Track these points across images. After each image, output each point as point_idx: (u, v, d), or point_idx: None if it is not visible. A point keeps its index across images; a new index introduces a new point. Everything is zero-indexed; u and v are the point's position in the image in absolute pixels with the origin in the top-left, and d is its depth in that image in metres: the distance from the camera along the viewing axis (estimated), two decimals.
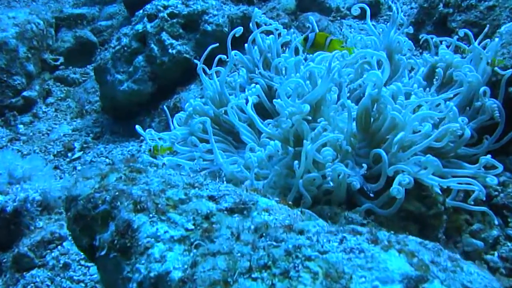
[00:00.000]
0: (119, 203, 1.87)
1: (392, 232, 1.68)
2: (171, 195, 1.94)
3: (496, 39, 3.18)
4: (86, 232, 1.92)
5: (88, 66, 7.16)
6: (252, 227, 1.73)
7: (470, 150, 2.93)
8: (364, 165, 2.63)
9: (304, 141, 2.76)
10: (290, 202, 2.39)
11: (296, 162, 2.76)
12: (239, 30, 3.67)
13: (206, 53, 3.66)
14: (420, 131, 2.81)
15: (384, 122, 2.88)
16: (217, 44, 3.72)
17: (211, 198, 1.98)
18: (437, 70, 3.49)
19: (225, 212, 1.87)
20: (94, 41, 7.55)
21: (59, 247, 3.20)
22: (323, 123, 2.88)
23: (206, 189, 2.05)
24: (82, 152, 4.93)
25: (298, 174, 2.74)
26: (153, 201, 1.88)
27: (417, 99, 3.06)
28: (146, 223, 1.79)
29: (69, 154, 4.94)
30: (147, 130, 3.58)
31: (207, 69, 3.73)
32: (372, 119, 2.95)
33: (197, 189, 2.03)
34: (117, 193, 1.91)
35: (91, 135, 5.38)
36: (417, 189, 2.70)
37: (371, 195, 2.71)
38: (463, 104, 3.11)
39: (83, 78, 7.13)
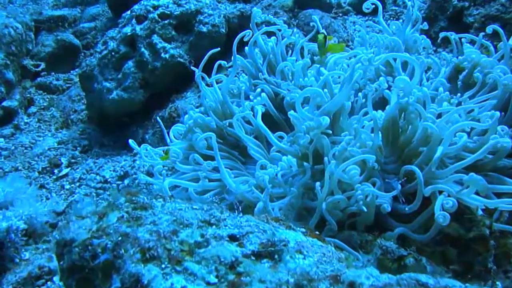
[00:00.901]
0: (123, 250, 1.58)
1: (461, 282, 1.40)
2: (185, 237, 1.65)
3: None
4: (85, 287, 1.63)
5: (72, 71, 6.86)
6: (291, 280, 1.44)
7: (509, 161, 2.67)
8: (398, 185, 2.36)
9: (325, 158, 2.49)
10: (317, 232, 2.14)
11: (318, 183, 2.49)
12: (248, 33, 3.39)
13: (205, 59, 3.36)
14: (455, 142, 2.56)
15: (414, 134, 2.62)
16: (218, 49, 3.43)
17: (233, 238, 1.70)
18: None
19: (253, 257, 1.59)
20: (77, 45, 7.23)
21: (48, 283, 2.88)
22: (347, 137, 2.61)
23: (225, 225, 1.77)
24: (69, 168, 4.61)
25: (321, 197, 2.46)
26: (165, 246, 1.60)
27: (449, 106, 2.80)
28: (159, 276, 1.50)
29: (56, 171, 4.61)
30: (142, 145, 3.29)
31: (206, 76, 3.43)
32: (400, 130, 2.69)
33: (214, 227, 1.75)
34: (120, 238, 1.62)
35: (78, 148, 5.06)
36: None
37: (407, 209, 2.45)
38: (498, 109, 2.85)
39: (67, 85, 6.81)
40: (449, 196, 2.32)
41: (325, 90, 2.87)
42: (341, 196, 2.46)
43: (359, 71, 2.79)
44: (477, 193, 2.36)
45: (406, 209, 2.44)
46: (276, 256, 1.60)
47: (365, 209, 2.39)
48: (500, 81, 2.84)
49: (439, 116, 2.70)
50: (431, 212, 2.37)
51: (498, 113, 2.46)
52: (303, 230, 2.06)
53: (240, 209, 2.44)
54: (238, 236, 1.71)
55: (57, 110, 6.19)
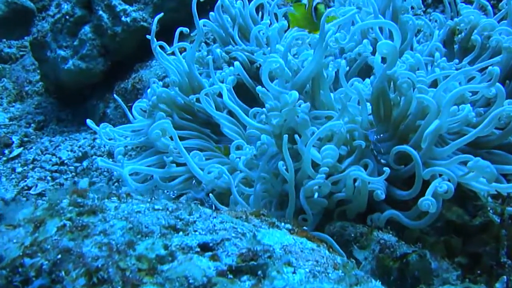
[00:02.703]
0: (63, 273, 1.26)
1: None
2: (144, 250, 1.34)
3: None
4: None
5: (25, 38, 6.37)
6: None
7: None
8: (387, 170, 2.08)
9: (285, 137, 2.19)
10: (305, 228, 1.86)
11: (281, 163, 2.19)
12: None
13: (156, 19, 2.97)
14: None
15: (409, 107, 2.33)
16: (162, 14, 3.04)
17: (205, 248, 1.40)
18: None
19: (230, 275, 1.29)
20: (31, 8, 6.73)
21: None
22: (303, 105, 2.30)
23: (195, 231, 1.47)
24: (22, 148, 4.20)
25: (290, 181, 2.18)
26: (117, 265, 1.29)
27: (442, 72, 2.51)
28: None
29: (6, 151, 4.20)
30: (102, 125, 2.93)
31: (166, 46, 3.06)
32: (392, 103, 2.39)
33: (181, 233, 1.44)
34: (59, 256, 1.30)
35: (32, 125, 4.64)
36: (457, 191, 2.17)
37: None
38: (502, 77, 2.56)
39: (21, 53, 6.36)
40: (449, 180, 2.05)
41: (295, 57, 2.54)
42: (321, 180, 2.16)
43: (332, 28, 2.47)
44: None
45: (405, 195, 2.17)
46: (259, 272, 1.31)
47: (316, 196, 2.12)
48: (504, 45, 2.55)
49: (435, 85, 2.42)
50: None
51: (497, 68, 2.15)
52: (289, 226, 1.77)
53: (212, 202, 2.16)
54: (211, 245, 1.40)
55: (10, 81, 5.74)
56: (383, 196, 2.16)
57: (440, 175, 2.11)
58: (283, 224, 1.77)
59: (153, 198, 1.68)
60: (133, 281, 1.25)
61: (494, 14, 3.10)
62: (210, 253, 1.37)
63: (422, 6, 3.55)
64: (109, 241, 1.36)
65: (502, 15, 2.94)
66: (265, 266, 1.32)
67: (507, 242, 2.01)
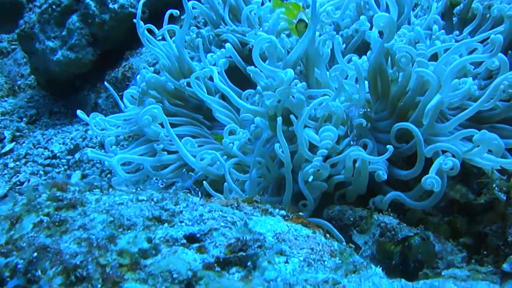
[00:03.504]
0: (39, 272, 1.18)
1: None
2: (125, 244, 1.26)
3: None
4: None
5: (16, 30, 6.23)
6: None
7: None
8: (390, 148, 1.98)
9: (279, 119, 2.09)
10: (300, 214, 1.78)
11: (277, 145, 2.11)
12: None
13: (140, 4, 2.85)
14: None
15: (408, 82, 2.23)
16: None
17: (191, 239, 1.32)
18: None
19: (217, 268, 1.21)
20: (20, 0, 6.58)
21: None
22: (299, 85, 2.20)
23: (181, 221, 1.39)
24: (14, 142, 4.12)
25: (286, 164, 2.09)
26: (97, 261, 1.21)
27: (442, 44, 2.40)
28: None
29: None
30: (92, 114, 2.83)
31: (155, 29, 2.95)
32: (390, 79, 2.29)
33: (167, 224, 1.36)
34: (35, 254, 1.22)
35: (24, 119, 4.56)
36: (461, 168, 2.07)
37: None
38: (504, 48, 2.45)
39: (12, 46, 6.27)
40: (453, 156, 1.96)
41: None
42: (320, 162, 2.07)
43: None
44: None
45: (406, 174, 2.08)
46: (249, 263, 1.23)
47: (310, 179, 2.02)
48: (506, 13, 2.44)
49: (436, 58, 2.32)
50: None
51: (500, 36, 2.05)
52: (283, 213, 1.70)
53: (199, 192, 2.07)
54: (198, 236, 1.32)
55: (2, 76, 5.67)
56: (385, 177, 2.08)
57: (444, 152, 2.02)
58: (277, 210, 1.70)
59: (138, 189, 1.61)
60: (114, 278, 1.17)
61: None
62: (197, 244, 1.29)
63: None
64: (89, 236, 1.28)
65: None
66: (255, 256, 1.24)
67: None
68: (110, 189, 1.52)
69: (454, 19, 2.93)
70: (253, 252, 1.25)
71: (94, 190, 1.52)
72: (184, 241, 1.30)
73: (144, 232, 1.31)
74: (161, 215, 1.38)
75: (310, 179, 2.09)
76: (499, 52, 2.08)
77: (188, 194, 1.64)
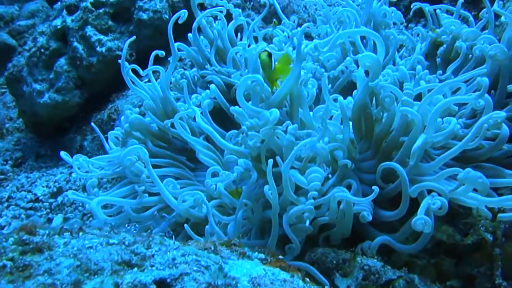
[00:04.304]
0: None
1: None
2: None
3: None
4: None
5: (5, 73, 6.26)
6: None
7: (508, 147, 2.30)
8: (376, 189, 1.95)
9: (270, 160, 2.05)
10: (280, 257, 1.73)
11: (266, 187, 2.06)
12: (183, 14, 2.91)
13: (127, 43, 2.88)
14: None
15: (392, 122, 2.22)
16: (134, 37, 2.96)
17: (161, 284, 1.27)
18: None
19: None
20: (13, 45, 6.65)
21: None
22: (290, 127, 2.17)
23: (152, 265, 1.34)
24: None
25: (274, 207, 2.05)
26: None
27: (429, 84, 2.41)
28: None
29: None
30: (75, 156, 2.80)
31: (140, 70, 2.96)
32: (374, 119, 2.28)
33: (136, 269, 1.31)
34: None
35: (10, 162, 4.51)
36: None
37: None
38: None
39: (2, 90, 6.24)
40: (439, 195, 1.93)
41: None
42: (307, 205, 2.03)
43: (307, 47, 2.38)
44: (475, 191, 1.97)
45: (391, 215, 2.04)
46: None
47: (307, 223, 1.99)
48: (488, 53, 2.46)
49: (419, 97, 2.32)
50: None
51: (486, 79, 2.06)
52: (262, 256, 1.65)
53: (176, 236, 2.02)
54: (168, 281, 1.27)
55: None
56: (370, 218, 2.04)
57: (430, 192, 1.99)
58: (256, 253, 1.65)
59: (111, 232, 1.56)
60: None
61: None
62: None
63: (404, 21, 3.49)
64: (53, 282, 1.23)
65: (483, 25, 2.86)
66: None
67: (501, 261, 1.87)
68: (81, 233, 1.48)
69: (437, 59, 2.95)
70: None
71: (64, 234, 1.47)
72: (154, 286, 1.25)
73: (112, 277, 1.26)
74: (131, 259, 1.33)
75: (307, 223, 2.04)
76: (485, 94, 2.09)
77: (165, 237, 1.59)
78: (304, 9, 4.92)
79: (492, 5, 2.77)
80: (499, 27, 2.81)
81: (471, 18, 3.09)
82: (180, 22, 2.92)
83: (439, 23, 3.12)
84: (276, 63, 2.40)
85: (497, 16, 2.77)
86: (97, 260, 1.30)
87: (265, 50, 2.33)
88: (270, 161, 2.04)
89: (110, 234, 1.50)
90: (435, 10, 3.20)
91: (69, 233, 1.48)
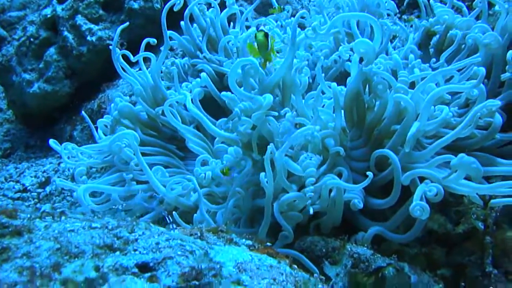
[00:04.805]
0: None
1: None
2: (70, 273, 1.18)
3: None
4: None
5: None
6: None
7: (501, 136, 2.28)
8: (370, 174, 1.92)
9: (270, 145, 2.01)
10: (268, 244, 1.70)
11: (262, 174, 2.03)
12: (179, 2, 2.88)
13: (119, 29, 2.83)
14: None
15: (384, 110, 2.19)
16: (127, 24, 2.91)
17: (144, 268, 1.24)
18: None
19: None
20: (4, 36, 6.54)
21: None
22: (289, 114, 2.14)
23: (135, 250, 1.30)
24: None
25: (268, 195, 2.01)
26: None
27: (421, 73, 2.38)
28: None
29: None
30: (64, 144, 2.76)
31: (130, 55, 2.92)
32: (366, 106, 2.26)
33: (118, 252, 1.28)
34: None
35: None
36: None
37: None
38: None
39: None
40: (432, 182, 1.90)
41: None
42: (296, 193, 2.01)
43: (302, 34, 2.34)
44: (467, 179, 1.94)
45: (382, 203, 2.02)
46: None
47: (311, 211, 1.95)
48: (481, 42, 2.43)
49: (411, 86, 2.29)
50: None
51: (483, 69, 2.03)
52: (249, 242, 1.62)
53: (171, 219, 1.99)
54: (151, 264, 1.24)
55: None
56: (361, 205, 2.01)
57: (422, 180, 1.97)
58: (243, 240, 1.62)
59: (94, 217, 1.53)
60: None
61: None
62: (149, 273, 1.21)
63: (397, 11, 3.46)
64: (32, 264, 1.19)
65: (477, 14, 2.83)
66: (209, 285, 1.16)
67: (492, 250, 1.85)
68: (63, 216, 1.44)
69: (430, 49, 2.92)
70: (207, 281, 1.17)
71: (46, 217, 1.44)
72: (136, 270, 1.22)
73: (93, 260, 1.22)
74: (113, 243, 1.30)
75: (311, 211, 2.00)
76: (480, 84, 2.07)
77: (151, 224, 1.56)
78: (298, 0, 4.88)
79: None
80: (493, 16, 2.78)
81: (465, 8, 3.06)
82: (175, 9, 2.88)
83: (432, 14, 3.09)
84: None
85: (490, 5, 2.74)
86: (78, 243, 1.27)
87: (261, 30, 2.28)
88: (269, 147, 2.00)
89: (93, 218, 1.47)
90: (428, 0, 3.18)
91: (51, 216, 1.44)
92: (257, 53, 2.27)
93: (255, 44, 2.28)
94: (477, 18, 2.85)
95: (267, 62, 2.30)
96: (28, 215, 1.42)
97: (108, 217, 1.55)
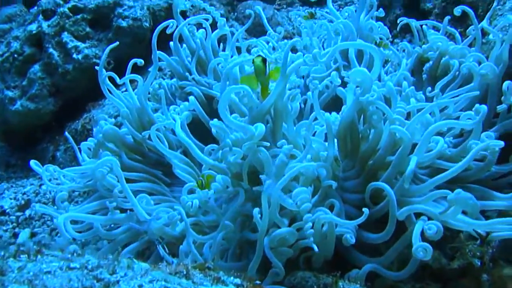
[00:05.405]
0: None
1: None
2: None
3: (510, 17, 2.50)
4: None
5: None
6: None
7: (497, 169, 2.24)
8: (365, 211, 1.87)
9: (263, 177, 1.95)
10: (257, 282, 1.62)
11: (256, 210, 1.96)
12: (172, 24, 2.85)
13: (108, 49, 2.77)
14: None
15: (379, 140, 2.14)
16: (117, 43, 2.84)
17: None
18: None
19: None
20: None
21: None
22: (285, 147, 2.09)
23: None
24: None
25: (261, 230, 1.94)
26: None
27: (417, 103, 2.34)
28: None
29: None
30: (45, 166, 2.67)
31: (117, 78, 2.85)
32: (360, 136, 2.20)
33: None
34: None
35: None
36: None
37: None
38: (474, 105, 2.40)
39: None
40: (429, 219, 1.85)
41: None
42: (288, 228, 1.94)
43: (299, 60, 2.28)
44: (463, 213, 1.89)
45: (376, 238, 1.96)
46: None
47: (316, 248, 1.89)
48: (477, 71, 2.40)
49: (407, 116, 2.24)
50: (408, 241, 1.89)
51: (484, 107, 2.01)
52: (238, 281, 1.54)
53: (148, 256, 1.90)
54: None
55: None
56: (353, 240, 1.95)
57: (417, 215, 1.92)
58: (231, 278, 1.54)
59: (74, 254, 1.44)
60: None
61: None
62: None
63: (390, 36, 3.44)
64: None
65: (470, 41, 2.81)
66: None
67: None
68: (39, 255, 1.35)
69: (423, 76, 2.89)
70: None
71: (21, 256, 1.34)
72: None
73: None
74: (92, 286, 1.22)
75: (316, 249, 1.93)
76: (482, 120, 2.06)
77: (134, 260, 1.48)
78: (289, 21, 4.86)
79: (479, 22, 2.74)
80: (486, 44, 2.76)
81: (458, 35, 3.04)
82: (168, 32, 2.84)
83: (425, 39, 3.07)
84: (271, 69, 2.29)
85: (484, 33, 2.73)
86: (54, 286, 1.18)
87: (259, 55, 2.22)
88: (265, 181, 1.94)
89: (72, 257, 1.38)
90: (421, 26, 3.16)
91: (26, 255, 1.35)
92: (255, 84, 2.22)
93: (251, 69, 2.22)
94: (470, 45, 2.84)
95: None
96: (2, 253, 1.34)
97: (88, 254, 1.47)
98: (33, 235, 3.11)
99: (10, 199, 3.56)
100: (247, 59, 2.64)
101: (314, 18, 3.46)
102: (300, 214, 1.96)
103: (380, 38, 3.11)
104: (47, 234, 3.08)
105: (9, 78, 4.24)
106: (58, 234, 2.97)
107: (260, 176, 2.08)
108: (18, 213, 3.37)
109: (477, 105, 2.07)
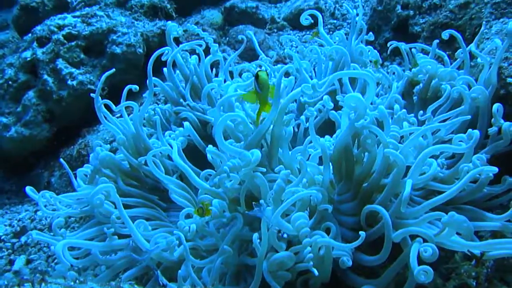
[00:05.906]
0: None
1: None
2: None
3: (497, 41, 2.58)
4: None
5: None
6: None
7: (490, 190, 2.28)
8: (362, 234, 1.90)
9: (261, 201, 1.99)
10: None
11: (255, 235, 1.99)
12: (168, 51, 2.90)
13: (104, 76, 2.80)
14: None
15: (373, 164, 2.18)
16: (113, 70, 2.87)
17: None
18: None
19: None
20: None
21: None
22: (283, 172, 2.13)
23: None
24: None
25: (260, 255, 1.96)
26: None
27: (410, 126, 2.40)
28: None
29: None
30: (41, 192, 2.67)
31: (112, 105, 2.88)
32: (355, 160, 2.24)
33: None
34: None
35: None
36: None
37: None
38: (465, 126, 2.46)
39: None
40: (424, 241, 1.88)
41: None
42: (286, 252, 1.97)
43: (297, 90, 2.33)
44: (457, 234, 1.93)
45: (372, 260, 1.98)
46: None
47: (316, 272, 1.92)
48: (467, 95, 2.46)
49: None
50: (403, 262, 1.93)
51: (477, 132, 2.06)
52: None
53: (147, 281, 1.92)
54: None
55: None
56: (350, 263, 1.98)
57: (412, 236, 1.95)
58: None
59: (77, 281, 1.46)
60: None
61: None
62: None
63: (380, 59, 3.51)
64: None
65: (458, 64, 2.88)
66: None
67: None
68: (43, 283, 1.37)
69: (414, 98, 2.96)
70: None
71: (25, 285, 1.36)
72: None
73: None
74: None
75: (316, 272, 1.95)
76: (474, 146, 2.11)
77: (135, 286, 1.50)
78: (280, 46, 4.94)
79: (467, 45, 2.81)
80: (474, 67, 2.83)
81: (446, 58, 3.11)
82: (163, 59, 2.89)
83: (414, 62, 3.14)
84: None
85: (471, 56, 2.80)
86: None
87: (262, 70, 2.26)
88: (266, 208, 1.97)
89: (75, 285, 1.40)
90: (410, 49, 3.23)
91: (30, 283, 1.37)
92: (254, 98, 2.27)
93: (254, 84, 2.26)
94: (459, 68, 2.91)
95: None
96: (6, 283, 1.35)
97: (90, 281, 1.49)
98: (28, 261, 3.10)
99: (5, 225, 3.55)
100: (243, 84, 2.70)
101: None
102: (297, 238, 1.99)
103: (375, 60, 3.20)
104: (44, 260, 3.07)
105: (4, 104, 4.27)
106: (56, 261, 2.97)
107: (261, 201, 2.11)
108: (14, 240, 3.36)
109: (469, 130, 2.12)
